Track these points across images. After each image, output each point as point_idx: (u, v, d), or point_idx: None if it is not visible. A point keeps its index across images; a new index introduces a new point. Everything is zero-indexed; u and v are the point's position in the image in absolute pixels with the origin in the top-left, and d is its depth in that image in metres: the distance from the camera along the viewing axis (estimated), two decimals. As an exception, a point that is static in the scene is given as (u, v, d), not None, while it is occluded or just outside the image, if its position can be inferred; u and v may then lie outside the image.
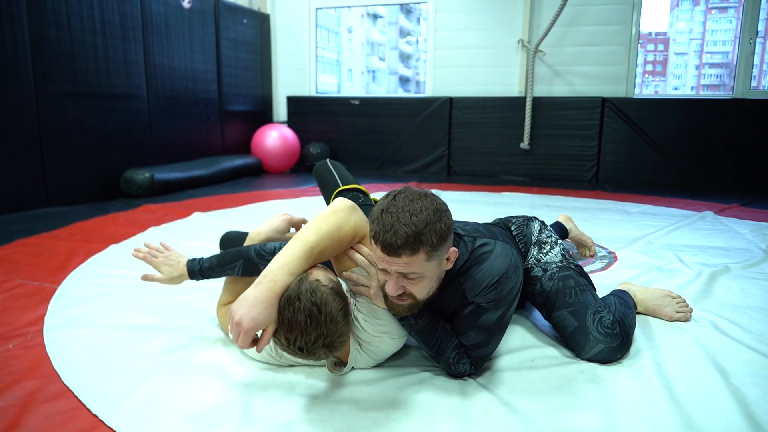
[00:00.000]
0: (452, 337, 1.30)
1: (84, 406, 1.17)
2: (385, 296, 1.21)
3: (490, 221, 1.81)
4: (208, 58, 4.88)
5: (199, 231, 2.87)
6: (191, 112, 4.72)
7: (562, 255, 1.58)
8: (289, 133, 5.54)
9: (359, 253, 1.26)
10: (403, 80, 39.02)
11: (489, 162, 5.45)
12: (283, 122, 6.02)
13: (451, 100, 5.46)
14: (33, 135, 3.34)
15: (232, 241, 2.11)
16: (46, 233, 2.75)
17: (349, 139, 5.84)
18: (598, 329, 1.40)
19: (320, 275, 1.16)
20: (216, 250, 2.47)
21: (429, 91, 5.65)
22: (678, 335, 1.60)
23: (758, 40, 4.83)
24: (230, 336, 1.29)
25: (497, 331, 1.30)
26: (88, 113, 3.68)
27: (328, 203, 2.07)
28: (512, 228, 1.70)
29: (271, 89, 6.04)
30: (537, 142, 5.25)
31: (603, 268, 2.32)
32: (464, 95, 5.45)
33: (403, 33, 39.15)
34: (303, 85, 6.03)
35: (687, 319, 1.70)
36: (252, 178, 5.13)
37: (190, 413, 1.15)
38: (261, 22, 5.70)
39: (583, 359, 1.41)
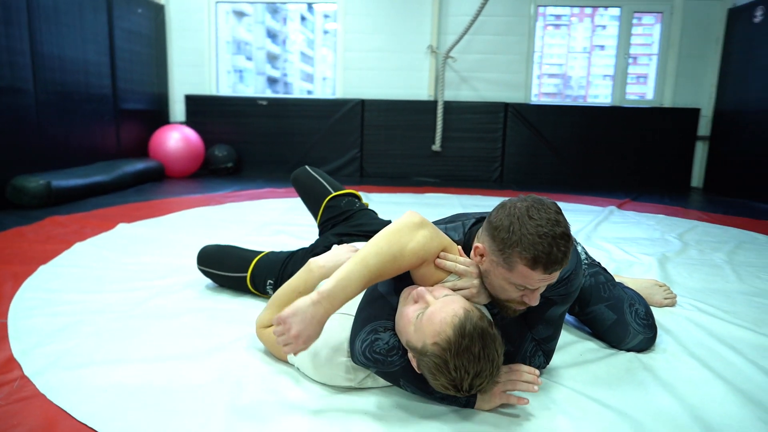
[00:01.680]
0: (527, 331, 1.30)
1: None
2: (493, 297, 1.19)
3: None
4: (101, 49, 4.34)
5: (134, 244, 2.54)
6: (84, 110, 4.16)
7: (585, 252, 1.65)
8: (192, 135, 5.13)
9: (447, 260, 1.20)
10: (271, 81, 38.13)
11: (401, 164, 5.55)
12: (181, 123, 5.55)
13: (362, 103, 5.46)
14: None
15: (217, 256, 1.89)
16: (-60, 256, 2.24)
17: (257, 141, 5.57)
18: (636, 321, 1.48)
19: (467, 305, 1.08)
20: (168, 263, 2.21)
21: (339, 93, 5.59)
22: (675, 319, 1.77)
23: (584, 55, 5.51)
24: (284, 352, 1.21)
25: (561, 324, 1.33)
26: (-34, 109, 3.08)
27: (315, 213, 1.96)
28: None
29: (167, 87, 5.54)
30: (447, 145, 5.46)
31: (568, 262, 2.48)
32: (375, 98, 5.49)
33: (270, 33, 38.31)
34: (203, 83, 5.63)
35: (673, 305, 1.88)
36: (155, 183, 4.66)
37: None
38: (156, 13, 5.20)
39: (622, 350, 1.50)
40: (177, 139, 4.98)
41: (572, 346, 1.53)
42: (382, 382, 1.25)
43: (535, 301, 1.13)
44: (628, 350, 1.50)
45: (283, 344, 1.10)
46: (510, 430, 1.11)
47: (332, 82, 5.63)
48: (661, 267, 2.39)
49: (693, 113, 5.32)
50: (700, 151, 5.41)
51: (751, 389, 1.30)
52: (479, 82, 5.46)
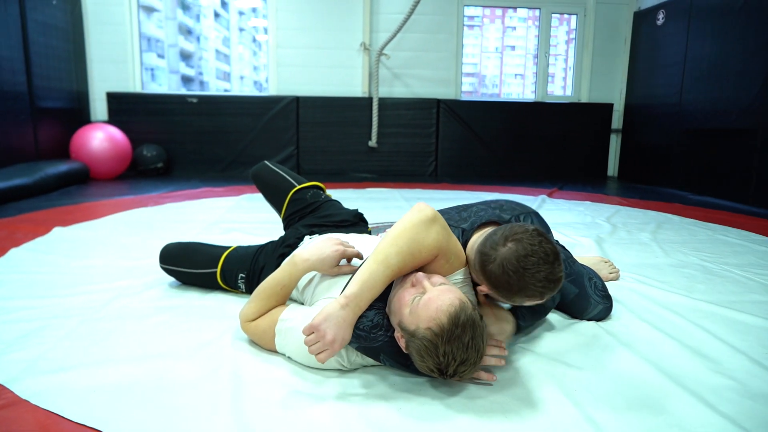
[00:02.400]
0: None
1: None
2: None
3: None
4: (13, 44, 4.02)
5: (79, 248, 2.41)
6: (-3, 109, 3.84)
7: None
8: (117, 134, 4.87)
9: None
10: (186, 80, 36.58)
11: (338, 160, 5.58)
12: (103, 121, 5.25)
13: (297, 100, 5.43)
14: None
15: (182, 254, 1.84)
16: None
17: (188, 140, 5.38)
18: (596, 293, 1.63)
19: (463, 296, 1.15)
20: (122, 265, 2.13)
21: (273, 90, 5.52)
22: (622, 291, 1.95)
23: (497, 54, 5.86)
24: (279, 351, 1.31)
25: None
26: None
27: (279, 208, 1.97)
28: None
29: (87, 84, 5.22)
30: (382, 141, 5.56)
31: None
32: (310, 95, 5.47)
33: (183, 29, 36.71)
34: (126, 80, 5.35)
35: (617, 278, 2.07)
36: (81, 186, 4.39)
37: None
38: (72, 5, 4.88)
39: (584, 320, 1.64)
40: (101, 139, 4.71)
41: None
42: (371, 361, 1.29)
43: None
44: (589, 320, 1.64)
45: (319, 351, 1.14)
46: (492, 392, 1.20)
47: (251, 79, 5.55)
48: (599, 247, 2.60)
49: (607, 108, 5.76)
50: (615, 143, 5.87)
51: (696, 344, 1.48)
52: (411, 79, 5.60)
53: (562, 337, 1.53)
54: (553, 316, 1.68)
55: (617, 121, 5.81)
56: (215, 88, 38.20)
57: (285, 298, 1.38)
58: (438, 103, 5.57)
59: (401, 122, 5.55)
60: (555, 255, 1.17)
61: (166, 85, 35.47)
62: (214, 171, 5.40)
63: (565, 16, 5.99)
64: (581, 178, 5.63)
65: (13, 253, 2.30)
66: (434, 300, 1.10)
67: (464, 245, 1.38)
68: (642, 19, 5.43)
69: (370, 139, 5.48)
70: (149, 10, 34.38)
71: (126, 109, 5.26)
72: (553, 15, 5.81)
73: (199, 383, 1.22)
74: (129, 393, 1.17)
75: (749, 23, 4.03)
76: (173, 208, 3.50)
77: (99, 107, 5.31)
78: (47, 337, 1.45)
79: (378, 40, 5.39)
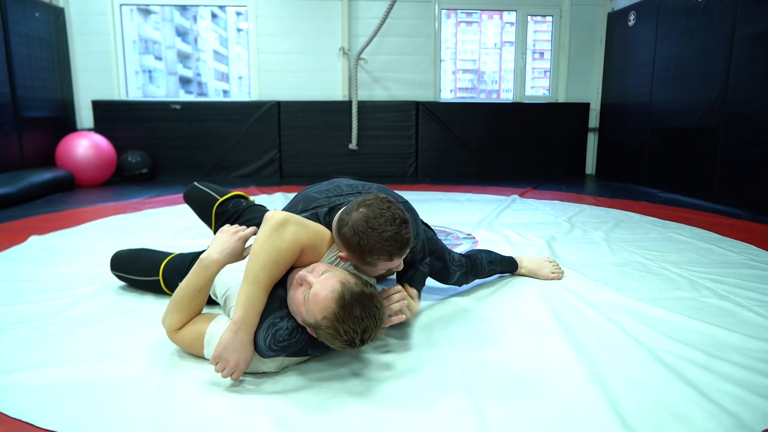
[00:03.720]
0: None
1: (95, 441, 1.09)
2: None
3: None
4: (-5, 56, 4.15)
5: (51, 256, 2.53)
6: (-20, 120, 3.97)
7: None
8: (102, 142, 5.00)
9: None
10: (184, 81, 36.73)
11: (320, 163, 5.70)
12: (89, 129, 5.38)
13: (278, 104, 5.55)
14: None
15: (128, 260, 1.95)
16: None
17: (172, 146, 5.51)
18: (453, 264, 1.90)
19: (342, 277, 1.27)
20: (90, 272, 2.25)
21: (255, 95, 5.64)
22: (554, 288, 2.07)
23: (496, 51, 5.98)
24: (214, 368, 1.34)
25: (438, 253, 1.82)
26: None
27: (210, 223, 2.04)
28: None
29: (72, 92, 5.34)
30: (363, 143, 5.67)
31: (471, 248, 2.75)
32: (291, 99, 5.59)
33: (180, 32, 36.84)
34: (111, 88, 5.47)
35: (560, 278, 2.19)
36: (65, 193, 4.52)
37: None
38: (55, 16, 5.00)
39: (450, 284, 1.96)
40: (86, 146, 4.84)
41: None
42: (299, 359, 1.42)
43: (400, 267, 1.42)
44: (454, 284, 1.96)
45: (228, 375, 1.29)
46: (396, 379, 1.32)
47: (248, 83, 5.67)
48: (549, 247, 2.72)
49: (584, 107, 5.86)
50: (592, 142, 5.97)
51: (603, 338, 1.60)
52: (391, 82, 5.71)
53: (463, 325, 1.66)
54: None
55: (594, 119, 5.91)
56: (214, 88, 38.25)
57: (204, 301, 1.44)
58: (417, 106, 5.68)
59: (381, 125, 5.67)
60: (402, 219, 1.31)
61: (164, 86, 35.66)
62: (198, 176, 5.52)
63: (548, 18, 6.09)
64: (560, 176, 5.74)
65: (-13, 261, 2.43)
66: (319, 292, 1.23)
67: (329, 225, 1.49)
68: (615, 19, 5.53)
69: (350, 141, 5.60)
70: (146, 12, 34.59)
71: (111, 116, 5.39)
72: (530, 17, 5.91)
73: (131, 383, 1.34)
74: (67, 392, 1.29)
75: (711, 23, 4.13)
76: (151, 214, 3.63)
77: (85, 115, 5.44)
78: (2, 341, 1.58)
79: (357, 44, 5.50)
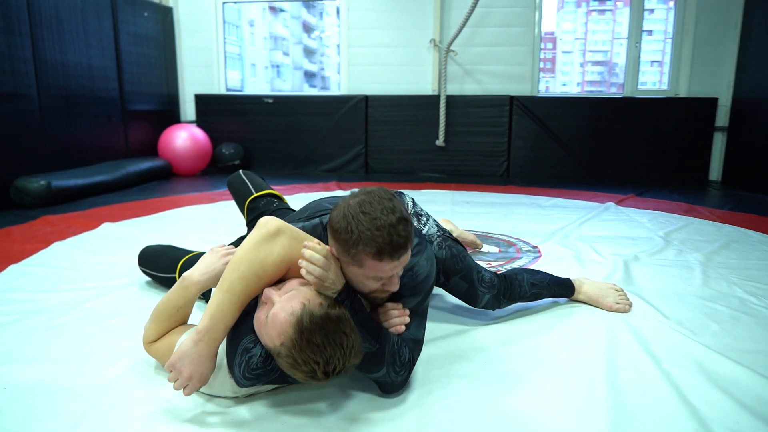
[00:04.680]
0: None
1: (14, 459, 1.04)
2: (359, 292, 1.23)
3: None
4: (106, 54, 4.51)
5: (111, 244, 2.65)
6: (90, 113, 4.34)
7: (437, 226, 1.73)
8: (199, 134, 5.27)
9: (312, 250, 1.14)
10: (309, 75, 38.56)
11: (406, 159, 5.53)
12: (191, 122, 5.71)
13: (366, 99, 5.47)
14: None
15: (156, 256, 1.96)
16: (-75, 255, 2.41)
17: (264, 138, 5.67)
18: (482, 285, 1.66)
19: (305, 297, 1.09)
20: (133, 263, 2.29)
21: (344, 90, 5.62)
22: (614, 319, 1.72)
23: (626, 42, 5.30)
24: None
25: (422, 313, 1.34)
26: (-32, 115, 3.27)
27: (243, 213, 1.99)
28: None
29: (177, 87, 5.71)
30: (451, 139, 5.41)
31: (530, 263, 2.43)
32: (379, 93, 5.48)
33: (307, 27, 38.66)
34: (212, 82, 5.76)
35: (626, 311, 1.82)
36: (161, 182, 4.82)
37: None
38: (163, 15, 5.36)
39: (479, 308, 1.71)
40: (184, 138, 5.12)
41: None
42: (267, 387, 1.27)
43: (395, 286, 1.18)
44: (483, 308, 1.71)
45: (179, 388, 1.15)
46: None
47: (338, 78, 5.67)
48: (625, 268, 2.31)
49: (710, 103, 5.07)
50: (719, 143, 5.15)
51: (651, 399, 1.26)
52: (483, 75, 5.38)
53: (473, 362, 1.39)
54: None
55: (723, 117, 5.08)
56: (336, 82, 39.79)
57: (184, 318, 1.37)
58: (511, 100, 5.28)
59: (471, 120, 5.36)
60: (402, 216, 1.11)
61: (290, 80, 37.74)
62: (287, 169, 5.64)
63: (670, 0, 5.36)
64: (675, 182, 5.03)
65: (55, 246, 2.59)
66: (277, 314, 1.07)
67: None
68: (756, 0, 4.68)
69: (437, 138, 5.36)
70: (276, 10, 36.75)
71: (210, 109, 5.68)
72: None
73: (94, 391, 1.29)
74: (27, 394, 1.27)
75: None
76: (223, 206, 3.71)
77: (189, 109, 5.79)
78: (8, 332, 1.62)
79: (449, 36, 5.24)
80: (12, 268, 2.23)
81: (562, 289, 1.87)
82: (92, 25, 4.32)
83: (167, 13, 5.43)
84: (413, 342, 1.28)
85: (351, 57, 5.54)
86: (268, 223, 1.19)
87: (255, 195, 1.96)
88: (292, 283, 1.16)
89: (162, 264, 1.91)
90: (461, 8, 5.17)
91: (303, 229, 1.29)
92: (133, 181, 4.47)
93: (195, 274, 1.34)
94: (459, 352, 1.52)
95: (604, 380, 1.36)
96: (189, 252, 1.90)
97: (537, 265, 2.39)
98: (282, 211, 1.91)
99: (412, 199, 1.81)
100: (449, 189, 4.56)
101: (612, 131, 5.22)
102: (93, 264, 2.32)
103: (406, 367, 1.24)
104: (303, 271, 1.13)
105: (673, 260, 2.48)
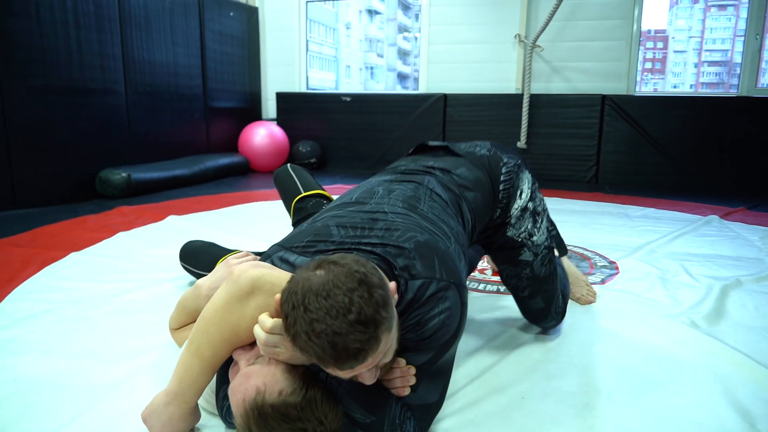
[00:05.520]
0: (390, 394, 1.01)
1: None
2: None
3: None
4: (191, 52, 4.68)
5: (171, 237, 2.67)
6: (173, 109, 4.52)
7: (548, 233, 1.48)
8: (277, 131, 5.35)
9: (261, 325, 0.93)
10: (402, 77, 38.80)
11: (485, 161, 5.25)
12: (272, 119, 5.82)
13: (445, 97, 5.26)
14: (-2, 132, 3.14)
15: (196, 253, 1.92)
16: (4, 239, 2.56)
17: (341, 137, 5.64)
18: (555, 311, 1.54)
19: (265, 377, 0.91)
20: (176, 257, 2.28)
21: (423, 88, 5.45)
22: (695, 345, 1.41)
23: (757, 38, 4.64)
24: None
25: (434, 374, 1.02)
26: (60, 109, 3.48)
27: (290, 211, 1.88)
28: (502, 171, 1.38)
29: (260, 85, 5.84)
30: (534, 141, 5.06)
31: (603, 281, 2.13)
32: (459, 92, 5.26)
33: (402, 29, 38.91)
34: (293, 81, 5.83)
35: (590, 302, 1.86)
36: (238, 177, 4.93)
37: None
38: (249, 15, 5.49)
39: (537, 325, 1.61)
40: (263, 135, 5.21)
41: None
42: None
43: (368, 381, 0.90)
44: (539, 326, 1.60)
45: None
46: None
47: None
48: (721, 295, 1.94)
49: None
50: None
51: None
52: (573, 73, 4.97)
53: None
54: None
55: None
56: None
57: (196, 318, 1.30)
58: (603, 100, 4.84)
59: (557, 121, 4.98)
60: (359, 318, 0.80)
61: (383, 82, 38.19)
62: (362, 168, 5.57)
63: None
64: (799, 195, 4.34)
65: (119, 236, 2.67)
66: (234, 390, 0.93)
67: None
68: None
69: (519, 139, 5.04)
70: (373, 13, 37.32)
71: (290, 107, 5.74)
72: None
73: (96, 390, 1.23)
74: (32, 387, 1.24)
75: None
76: (280, 204, 3.68)
77: (270, 106, 5.90)
78: (43, 320, 1.63)
79: (536, 31, 4.90)
80: (71, 256, 2.30)
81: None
82: (179, 25, 4.50)
83: (253, 12, 5.56)
84: (422, 408, 1.02)
85: (431, 54, 5.36)
86: (240, 277, 0.96)
87: (304, 194, 1.85)
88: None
89: (202, 261, 1.87)
90: (550, 1, 4.81)
91: (296, 267, 1.02)
92: (211, 176, 4.60)
93: (205, 285, 1.29)
94: (492, 383, 1.31)
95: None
96: (229, 251, 1.84)
97: (611, 283, 2.09)
98: None
99: (533, 189, 1.43)
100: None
101: (722, 135, 4.61)
102: (145, 256, 2.34)
103: None
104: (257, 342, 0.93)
105: (782, 289, 2.06)
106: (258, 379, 0.90)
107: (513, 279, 1.47)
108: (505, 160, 1.41)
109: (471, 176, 1.35)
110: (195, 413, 1.05)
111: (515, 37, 5.03)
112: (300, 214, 1.80)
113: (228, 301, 0.96)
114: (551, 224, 1.64)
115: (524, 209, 1.40)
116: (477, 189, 1.34)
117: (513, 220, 1.40)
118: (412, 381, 0.98)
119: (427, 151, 1.55)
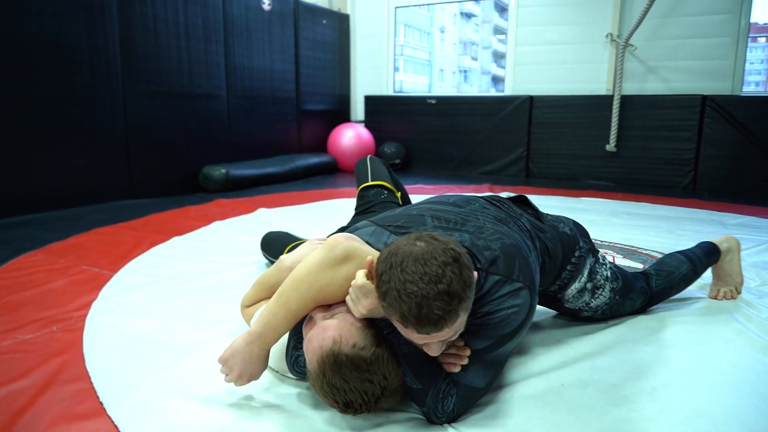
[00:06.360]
0: (440, 367, 1.11)
1: (95, 392, 1.21)
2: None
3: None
4: (286, 58, 5.02)
5: (259, 227, 2.92)
6: (269, 111, 4.88)
7: (611, 290, 1.54)
8: (364, 132, 5.57)
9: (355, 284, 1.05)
10: (496, 80, 38.12)
11: (571, 164, 5.14)
12: (360, 121, 6.06)
13: (531, 99, 5.21)
14: (120, 132, 3.60)
15: (272, 241, 2.11)
16: (122, 223, 2.95)
17: (425, 139, 5.76)
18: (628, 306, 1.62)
19: (341, 330, 1.04)
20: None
21: (509, 90, 5.43)
22: (757, 377, 1.37)
23: None
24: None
25: (486, 363, 1.10)
26: (171, 112, 3.91)
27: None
28: (575, 255, 1.46)
29: (350, 89, 6.11)
30: (625, 144, 4.87)
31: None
32: (546, 93, 5.18)
33: (497, 31, 38.25)
34: (381, 84, 6.04)
35: (730, 298, 1.85)
36: (326, 176, 5.21)
37: (190, 414, 1.14)
38: (340, 22, 5.77)
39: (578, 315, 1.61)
40: (350, 136, 5.46)
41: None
42: None
43: (433, 352, 1.00)
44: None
45: (230, 382, 1.16)
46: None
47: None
48: (806, 306, 1.82)
49: None
50: None
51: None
52: (671, 72, 4.72)
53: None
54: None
55: None
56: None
57: (273, 293, 1.44)
58: (703, 100, 4.55)
59: (650, 123, 4.75)
60: (452, 291, 0.91)
61: (476, 85, 37.77)
62: (446, 170, 5.65)
63: None
64: None
65: (214, 225, 2.97)
66: (311, 340, 1.06)
67: None
68: None
69: (608, 142, 4.87)
70: (468, 16, 37.03)
71: (377, 110, 5.95)
72: None
73: (178, 348, 1.44)
74: (134, 341, 1.47)
75: None
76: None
77: (359, 109, 6.15)
78: (146, 290, 1.90)
79: (629, 30, 4.72)
80: (174, 240, 2.61)
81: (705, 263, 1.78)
82: (276, 34, 4.85)
83: (344, 20, 5.84)
84: (467, 389, 1.09)
85: (518, 56, 5.33)
86: (336, 246, 1.09)
87: (367, 184, 1.98)
88: (342, 306, 1.11)
89: (275, 248, 2.05)
90: (646, -2, 4.61)
91: (382, 243, 1.15)
92: (301, 174, 4.90)
93: (289, 259, 1.43)
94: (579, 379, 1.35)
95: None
96: (299, 240, 2.01)
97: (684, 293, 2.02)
98: (387, 204, 1.91)
99: (592, 269, 1.48)
100: (614, 198, 4.10)
101: (844, 139, 4.17)
102: (235, 242, 2.59)
103: (448, 416, 1.09)
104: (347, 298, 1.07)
105: None
106: (335, 332, 1.03)
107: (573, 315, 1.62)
108: (581, 244, 1.48)
109: (550, 245, 1.38)
110: (266, 359, 1.16)
111: (607, 36, 4.87)
112: (361, 200, 1.94)
113: (321, 266, 1.08)
114: (656, 273, 1.71)
115: (581, 290, 1.50)
116: (551, 258, 1.38)
117: (569, 298, 1.50)
118: (465, 361, 1.08)
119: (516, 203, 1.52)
